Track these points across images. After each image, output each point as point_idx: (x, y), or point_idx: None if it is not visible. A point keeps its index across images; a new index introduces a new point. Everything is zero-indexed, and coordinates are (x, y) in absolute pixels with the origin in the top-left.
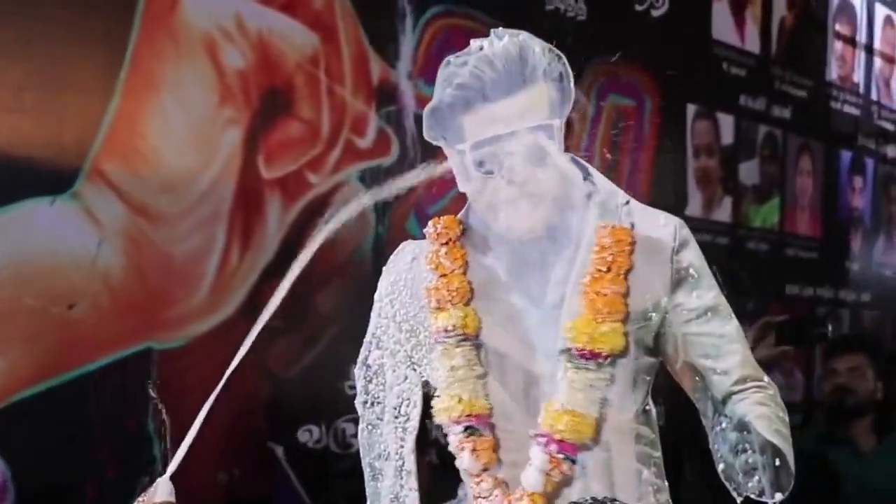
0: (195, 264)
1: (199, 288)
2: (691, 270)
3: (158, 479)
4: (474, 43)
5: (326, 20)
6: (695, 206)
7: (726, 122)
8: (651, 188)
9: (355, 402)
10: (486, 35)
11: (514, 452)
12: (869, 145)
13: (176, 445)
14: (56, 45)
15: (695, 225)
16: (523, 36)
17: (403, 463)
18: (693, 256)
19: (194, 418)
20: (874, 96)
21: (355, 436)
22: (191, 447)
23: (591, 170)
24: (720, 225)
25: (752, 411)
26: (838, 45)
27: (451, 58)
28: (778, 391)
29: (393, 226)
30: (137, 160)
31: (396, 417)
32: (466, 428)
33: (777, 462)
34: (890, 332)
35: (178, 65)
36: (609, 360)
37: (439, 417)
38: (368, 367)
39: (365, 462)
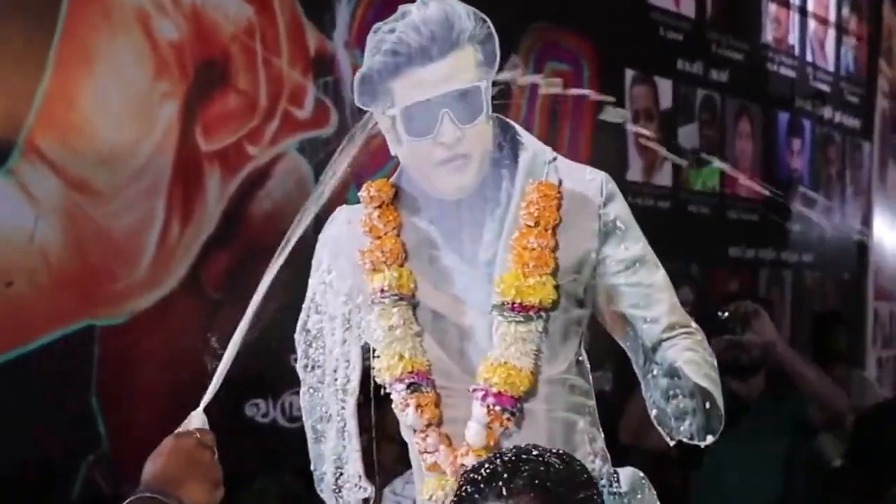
0: (135, 239)
1: (140, 263)
2: (618, 223)
3: (192, 413)
4: (401, 8)
5: None
6: (636, 171)
7: (665, 86)
8: (592, 154)
9: (296, 366)
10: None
11: (453, 409)
12: (806, 107)
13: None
14: None
15: (637, 189)
16: (449, 1)
17: (345, 424)
18: (620, 209)
19: (139, 392)
20: (809, 58)
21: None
22: (137, 427)
23: (519, 129)
24: (661, 189)
25: (681, 357)
26: (773, 8)
27: (379, 24)
28: (705, 337)
29: (333, 196)
30: (73, 135)
31: (336, 380)
32: (409, 385)
33: (707, 405)
34: (831, 291)
35: (111, 38)
36: (540, 312)
37: (381, 376)
38: (308, 331)
39: (308, 424)
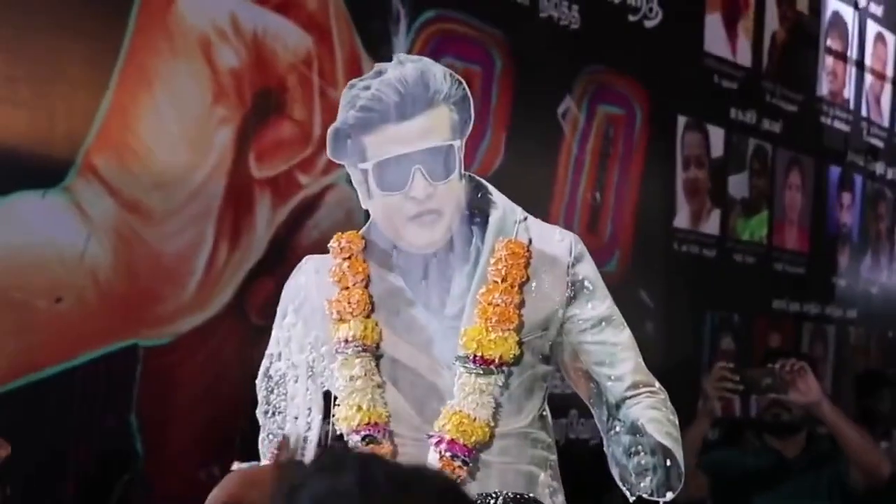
0: (183, 262)
1: (187, 286)
2: (586, 283)
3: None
4: (377, 66)
5: (320, 21)
6: (683, 218)
7: (716, 134)
8: (639, 199)
9: (256, 412)
10: (480, 40)
11: (415, 459)
12: (858, 162)
13: (152, 446)
14: (51, 37)
15: (683, 236)
16: (425, 61)
17: None
18: (588, 269)
19: (178, 415)
20: (864, 112)
21: (341, 436)
22: (173, 448)
23: (490, 188)
24: (708, 237)
25: (643, 415)
26: (829, 61)
27: (354, 81)
28: (668, 396)
29: None
30: (129, 156)
31: (297, 426)
32: (365, 436)
33: (668, 463)
34: (875, 349)
35: (172, 62)
36: (501, 367)
37: (339, 426)
38: (270, 377)
39: None
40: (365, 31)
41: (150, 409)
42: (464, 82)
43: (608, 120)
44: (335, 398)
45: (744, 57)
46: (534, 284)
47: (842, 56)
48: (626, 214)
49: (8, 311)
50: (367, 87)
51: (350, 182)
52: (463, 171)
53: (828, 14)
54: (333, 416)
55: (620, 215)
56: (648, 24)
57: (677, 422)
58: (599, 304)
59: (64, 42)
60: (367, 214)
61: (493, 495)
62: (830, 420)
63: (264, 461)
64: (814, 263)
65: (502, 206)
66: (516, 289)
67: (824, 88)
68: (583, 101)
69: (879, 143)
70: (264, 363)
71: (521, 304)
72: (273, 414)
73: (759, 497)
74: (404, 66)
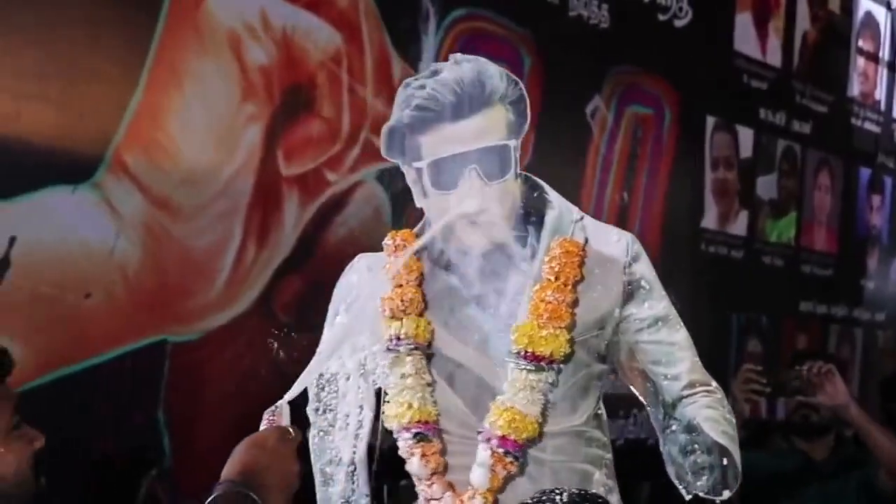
0: (212, 258)
1: (215, 282)
2: (643, 282)
3: (280, 403)
4: (433, 66)
5: (350, 19)
6: (711, 219)
7: (746, 135)
8: (667, 199)
9: (307, 409)
10: (509, 38)
11: (466, 457)
12: (888, 164)
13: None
14: (81, 35)
15: (710, 237)
16: (481, 61)
17: (355, 469)
18: (645, 269)
19: (205, 412)
20: (895, 114)
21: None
22: (200, 445)
23: (547, 188)
24: (736, 238)
25: (700, 414)
26: (861, 61)
27: (409, 80)
28: (724, 395)
29: (409, 227)
30: (159, 153)
31: (348, 425)
32: (416, 434)
33: (724, 462)
34: None
35: (201, 59)
36: (551, 364)
37: (389, 423)
38: (321, 375)
39: (316, 468)
40: (394, 29)
41: (178, 406)
42: (520, 82)
43: (637, 120)
44: (385, 396)
45: (774, 57)
46: (590, 284)
47: (873, 57)
48: (653, 215)
49: (38, 307)
50: (423, 87)
51: (378, 179)
52: (519, 171)
53: (860, 14)
54: (383, 413)
55: (648, 216)
56: (678, 23)
57: (734, 421)
58: (656, 303)
59: (94, 39)
60: (395, 212)
61: (557, 491)
62: (858, 423)
63: (313, 458)
64: (842, 265)
65: (558, 205)
66: (570, 287)
67: (855, 89)
68: (611, 101)
69: None
70: (315, 360)
71: (575, 303)
72: (324, 411)
73: (786, 499)
74: (461, 66)
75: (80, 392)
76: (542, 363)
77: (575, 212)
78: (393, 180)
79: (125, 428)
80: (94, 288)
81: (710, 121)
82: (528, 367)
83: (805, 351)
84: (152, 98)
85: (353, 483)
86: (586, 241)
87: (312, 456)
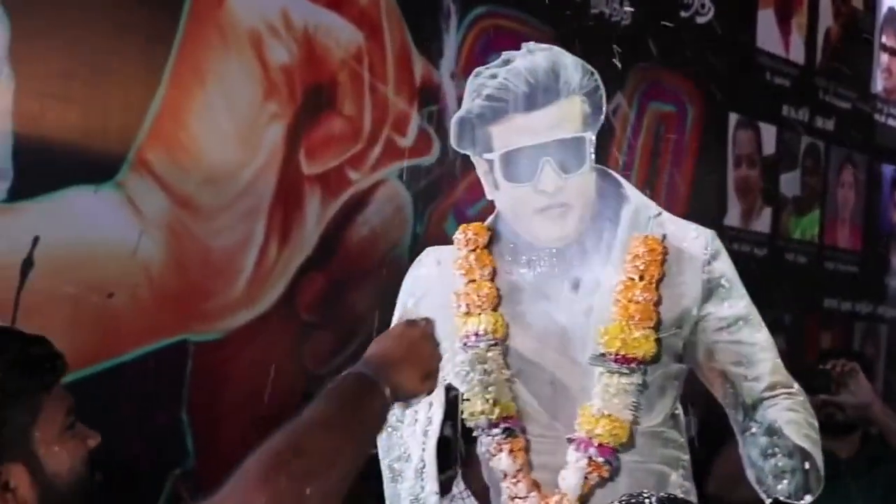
0: (234, 258)
1: (237, 282)
2: (723, 280)
3: None
4: (505, 55)
5: (371, 18)
6: (734, 216)
7: (769, 132)
8: (690, 197)
9: None
10: (530, 36)
11: (542, 455)
12: None
13: (203, 442)
14: (104, 35)
15: (733, 235)
16: (555, 50)
17: (425, 465)
18: (725, 267)
19: (229, 411)
20: None
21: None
22: (224, 444)
23: (623, 181)
24: (759, 236)
25: (781, 417)
26: (884, 58)
27: (480, 69)
28: (807, 398)
29: (431, 225)
30: (181, 152)
31: (417, 421)
32: (504, 430)
33: (806, 465)
34: None
35: (224, 58)
36: (641, 365)
37: (473, 420)
38: None
39: (384, 463)
40: (415, 26)
41: (201, 406)
42: (596, 73)
43: (659, 117)
44: (461, 393)
45: (797, 53)
46: (667, 281)
47: None
48: (676, 212)
49: (61, 307)
50: (494, 76)
51: (400, 177)
52: (594, 164)
53: (883, 10)
54: (462, 411)
55: (671, 213)
56: (700, 19)
57: (816, 424)
58: (737, 302)
59: (117, 39)
60: (417, 210)
61: (646, 495)
62: (882, 421)
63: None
64: (866, 262)
65: (635, 200)
66: (654, 285)
67: (879, 85)
68: (633, 98)
69: None
70: None
71: (659, 302)
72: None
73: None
74: (534, 56)
75: (103, 392)
76: (634, 365)
77: (652, 207)
78: (415, 179)
79: (148, 428)
80: (117, 288)
81: (733, 118)
82: (619, 371)
83: (832, 349)
84: (174, 97)
85: (421, 480)
86: (664, 237)
87: (381, 452)
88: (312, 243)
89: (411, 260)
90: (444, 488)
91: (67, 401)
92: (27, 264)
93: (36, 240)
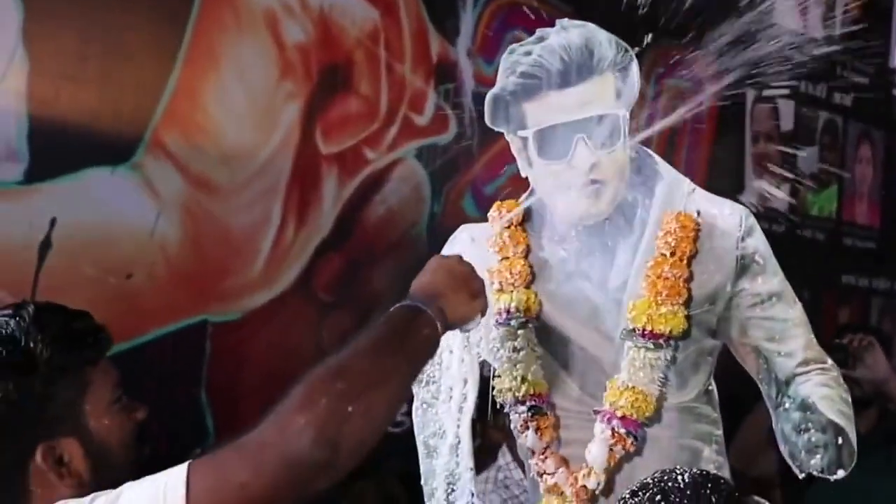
0: (251, 238)
1: (255, 261)
2: (756, 257)
3: None
4: (539, 32)
5: None
6: (751, 193)
7: (786, 108)
8: (708, 174)
9: None
10: (548, 13)
11: (571, 431)
12: None
13: (222, 421)
14: (119, 15)
15: (751, 212)
16: (589, 27)
17: (459, 441)
18: (759, 243)
19: (247, 391)
20: None
21: (407, 413)
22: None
23: (657, 158)
24: (777, 212)
25: (815, 392)
26: None
27: (514, 46)
28: (840, 373)
29: (448, 204)
30: (197, 132)
31: (451, 398)
32: (531, 407)
33: (839, 441)
34: None
35: (239, 39)
36: (669, 341)
37: (502, 396)
38: None
39: (419, 439)
40: (431, 4)
41: (220, 385)
42: (630, 50)
43: (677, 95)
44: (493, 369)
45: (814, 29)
46: (701, 258)
47: None
48: None
49: (80, 287)
50: (529, 53)
51: (417, 156)
52: (629, 141)
53: None
54: (493, 387)
55: None
56: None
57: (850, 400)
58: (770, 278)
59: (132, 20)
60: (434, 189)
61: (679, 471)
62: None
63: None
64: (884, 238)
65: (669, 177)
66: (685, 262)
67: None
68: (651, 76)
69: None
70: None
71: (690, 278)
72: (427, 383)
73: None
74: (568, 32)
75: (123, 372)
76: (661, 341)
77: (686, 183)
78: (432, 157)
79: (168, 408)
80: (136, 268)
81: (751, 94)
82: (646, 346)
83: (848, 324)
84: (190, 78)
85: (456, 456)
86: (698, 213)
87: (416, 428)
88: (329, 223)
89: (429, 239)
90: (491, 458)
91: (114, 374)
92: (45, 246)
93: (53, 221)
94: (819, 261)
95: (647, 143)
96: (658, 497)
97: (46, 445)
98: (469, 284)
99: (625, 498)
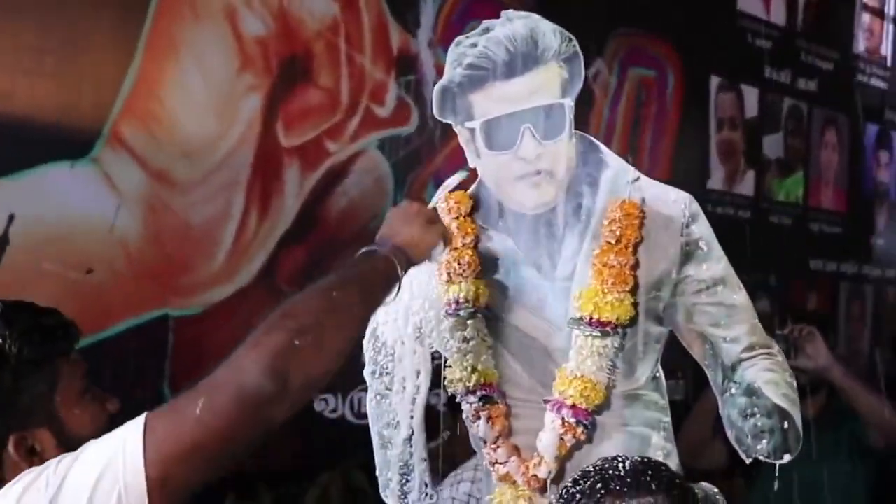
0: (212, 231)
1: (216, 255)
2: (701, 243)
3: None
4: (485, 24)
5: None
6: (717, 180)
7: (751, 94)
8: (673, 161)
9: (364, 372)
10: (508, 3)
11: (523, 420)
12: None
13: None
14: (76, 8)
15: (717, 198)
16: (534, 18)
17: (413, 433)
18: (703, 230)
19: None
20: None
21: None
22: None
23: (602, 147)
24: (743, 198)
25: (760, 377)
26: (866, 17)
27: (461, 38)
28: (785, 358)
29: (412, 195)
30: (156, 126)
31: (405, 388)
32: (481, 397)
33: (785, 425)
34: None
35: (198, 31)
36: (616, 328)
37: (453, 387)
38: (377, 338)
39: (374, 430)
40: None
41: (183, 380)
42: (574, 40)
43: (640, 83)
44: (445, 360)
45: (778, 15)
46: (647, 245)
47: (878, 12)
48: (659, 177)
49: (40, 283)
50: (475, 45)
51: (379, 148)
52: (573, 131)
53: None
54: (444, 378)
55: (654, 178)
56: None
57: (795, 384)
58: (715, 264)
59: (90, 12)
60: (397, 181)
61: (620, 459)
62: (842, 384)
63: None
64: (851, 223)
65: (614, 165)
66: (631, 249)
67: (861, 45)
68: (614, 64)
69: None
70: (371, 324)
71: (636, 266)
72: (380, 374)
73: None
74: (513, 23)
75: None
76: (608, 328)
77: (631, 171)
78: (394, 149)
79: (130, 403)
80: (96, 264)
81: (715, 81)
82: (593, 334)
83: (794, 313)
84: (149, 71)
85: (410, 447)
86: (643, 201)
87: (370, 419)
88: (292, 215)
89: None
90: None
91: (83, 366)
92: (3, 241)
93: (11, 217)
94: (786, 246)
95: (610, 132)
96: (599, 485)
97: (18, 436)
98: (421, 215)
99: (567, 486)
